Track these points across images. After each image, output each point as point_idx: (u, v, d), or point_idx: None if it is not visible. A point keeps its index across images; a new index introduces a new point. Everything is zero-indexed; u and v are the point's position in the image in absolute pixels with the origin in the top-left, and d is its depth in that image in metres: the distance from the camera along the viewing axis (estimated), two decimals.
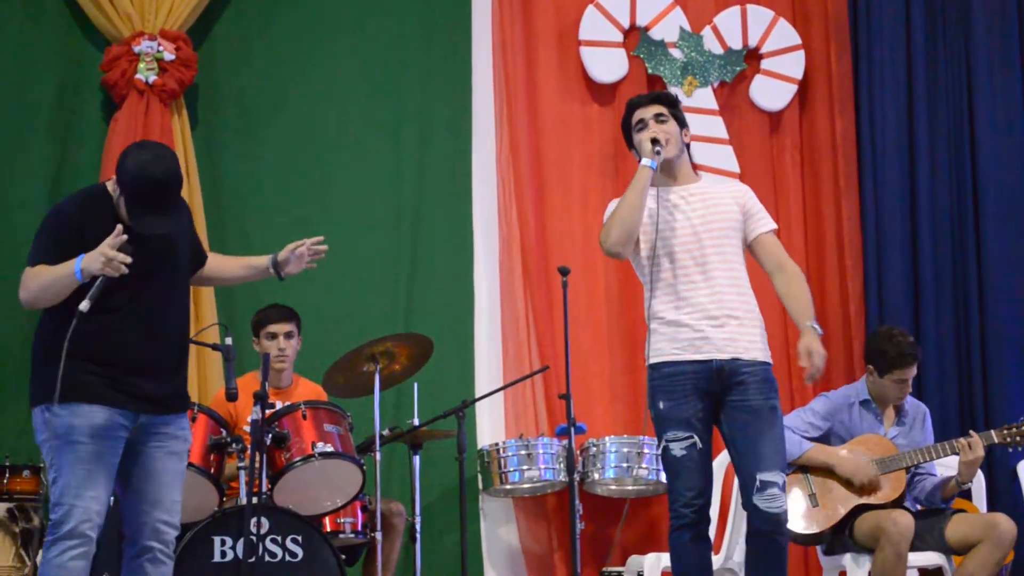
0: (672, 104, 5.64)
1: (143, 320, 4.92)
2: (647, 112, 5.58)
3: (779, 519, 5.30)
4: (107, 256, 4.72)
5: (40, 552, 6.85)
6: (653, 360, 5.47)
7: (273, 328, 6.99)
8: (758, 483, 5.28)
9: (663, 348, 5.44)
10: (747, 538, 5.42)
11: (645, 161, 5.43)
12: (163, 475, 5.00)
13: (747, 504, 5.33)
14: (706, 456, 5.41)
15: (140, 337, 4.91)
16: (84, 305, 4.73)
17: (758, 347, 5.43)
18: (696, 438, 5.36)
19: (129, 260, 4.75)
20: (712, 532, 5.50)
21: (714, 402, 5.40)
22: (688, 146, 5.65)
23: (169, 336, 5.04)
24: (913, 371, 6.85)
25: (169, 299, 5.06)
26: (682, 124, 5.62)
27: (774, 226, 5.57)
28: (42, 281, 4.83)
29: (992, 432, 6.78)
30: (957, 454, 6.69)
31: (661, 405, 5.41)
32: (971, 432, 6.74)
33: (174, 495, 5.03)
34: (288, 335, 7.01)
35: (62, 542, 4.77)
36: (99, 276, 4.75)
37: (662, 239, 5.47)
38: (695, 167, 5.77)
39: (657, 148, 5.42)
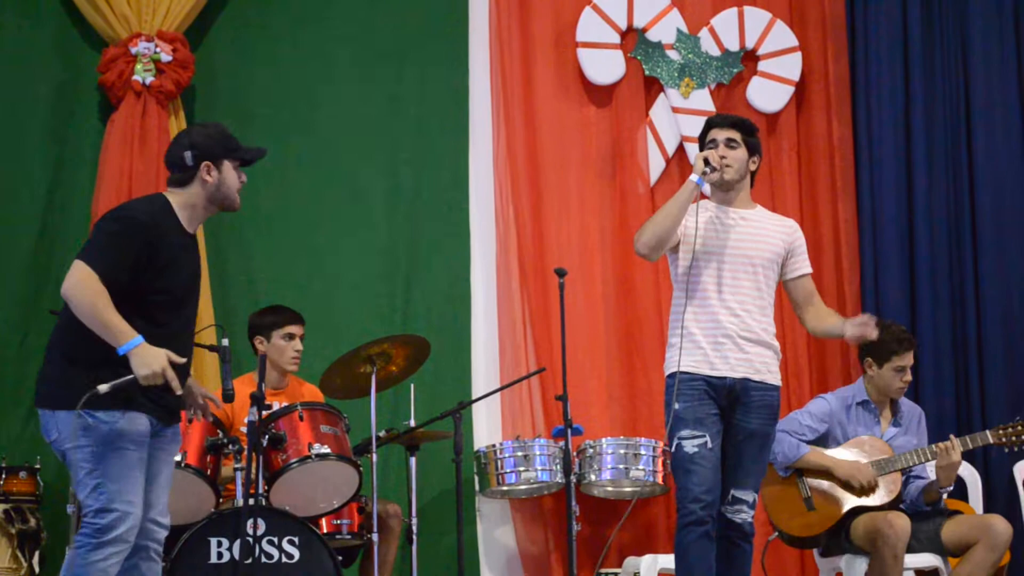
0: (748, 132, 5.86)
1: (178, 336, 4.99)
2: (721, 134, 5.82)
3: (742, 528, 5.68)
4: (156, 374, 4.75)
5: (36, 553, 6.88)
6: (672, 370, 5.72)
7: (293, 329, 7.00)
8: (730, 497, 5.66)
9: (682, 360, 5.68)
10: (716, 540, 5.65)
11: (693, 177, 5.65)
12: (161, 478, 5.07)
13: (717, 511, 5.65)
14: (716, 458, 5.63)
15: (175, 351, 4.91)
16: (104, 388, 4.75)
17: (770, 370, 5.72)
18: (708, 438, 5.60)
19: (179, 392, 4.88)
20: None
21: (723, 415, 5.67)
22: (753, 175, 5.89)
23: (189, 351, 5.12)
24: (911, 358, 6.89)
25: (195, 316, 5.20)
26: (752, 152, 5.84)
27: (811, 270, 5.91)
28: (97, 315, 4.77)
29: (987, 432, 6.80)
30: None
31: (677, 406, 5.64)
32: (951, 436, 6.75)
33: (166, 498, 5.10)
34: (302, 337, 7.03)
35: (109, 547, 4.78)
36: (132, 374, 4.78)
37: (704, 253, 5.72)
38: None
39: (707, 169, 5.64)
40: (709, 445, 5.58)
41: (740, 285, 5.68)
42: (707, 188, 5.90)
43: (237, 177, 5.14)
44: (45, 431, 4.94)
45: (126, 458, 4.83)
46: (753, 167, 5.85)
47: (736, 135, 5.80)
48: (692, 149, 8.13)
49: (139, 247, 4.87)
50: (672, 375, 5.69)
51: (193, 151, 5.06)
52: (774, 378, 5.73)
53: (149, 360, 4.74)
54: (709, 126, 5.87)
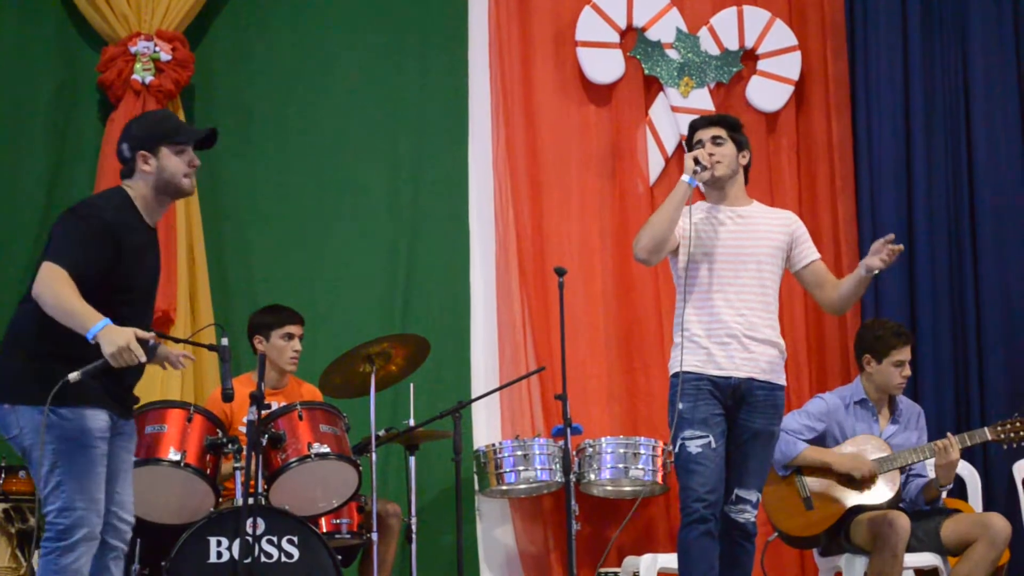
0: (732, 127, 5.87)
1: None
2: (706, 133, 5.82)
3: (745, 528, 5.66)
4: (122, 350, 4.70)
5: (36, 553, 6.87)
6: (676, 370, 5.70)
7: (292, 329, 7.00)
8: (734, 496, 5.64)
9: (686, 360, 5.67)
10: (719, 537, 5.63)
11: (684, 177, 5.66)
12: (125, 475, 5.07)
13: (720, 510, 5.63)
14: (720, 458, 5.63)
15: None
16: (74, 376, 4.73)
17: (775, 369, 5.71)
18: (711, 438, 5.60)
19: (143, 360, 4.80)
20: None
21: (728, 415, 5.65)
22: (746, 169, 5.89)
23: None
24: (909, 352, 6.92)
25: (153, 312, 5.22)
26: (740, 147, 5.84)
27: (819, 255, 5.88)
28: (63, 304, 4.74)
29: (986, 429, 6.80)
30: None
31: (681, 406, 5.64)
32: (948, 435, 6.75)
33: (131, 495, 5.10)
34: (301, 337, 7.03)
35: (79, 547, 4.77)
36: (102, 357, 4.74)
37: (702, 253, 5.72)
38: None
39: (696, 168, 5.65)
40: (713, 445, 5.58)
41: (742, 283, 5.68)
42: (702, 188, 5.91)
43: (182, 162, 5.07)
44: (3, 427, 4.90)
45: (89, 455, 4.82)
46: (743, 161, 5.85)
47: (721, 132, 5.81)
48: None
49: (105, 246, 4.87)
50: (676, 374, 5.68)
51: (129, 143, 5.06)
52: (779, 378, 5.73)
53: (115, 338, 4.67)
54: (693, 129, 5.89)
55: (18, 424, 4.84)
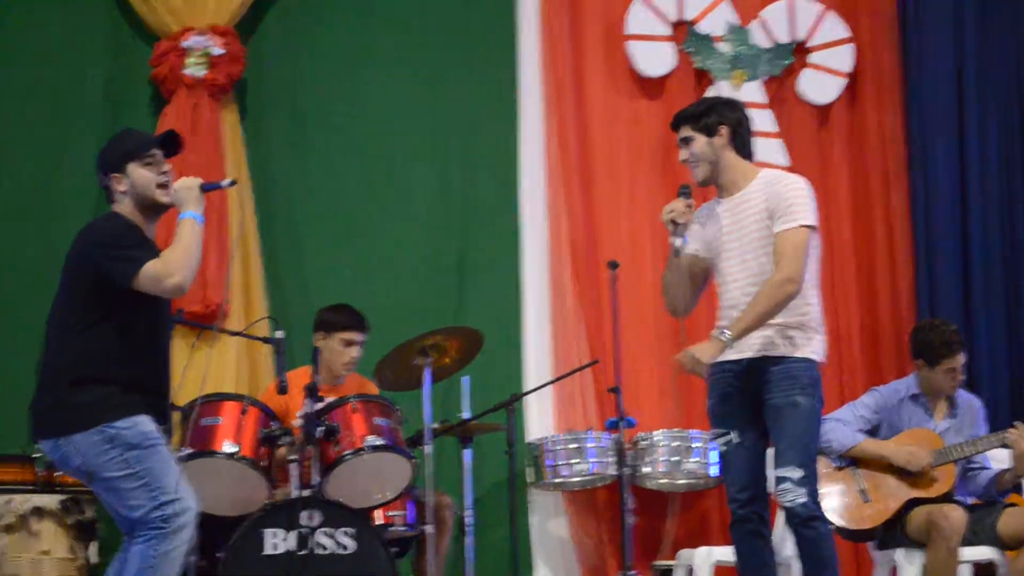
0: (696, 117, 5.62)
1: (163, 348, 5.09)
2: (678, 140, 5.67)
3: (795, 512, 5.35)
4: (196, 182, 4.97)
5: (91, 545, 6.89)
6: None
7: (353, 336, 6.99)
8: (774, 479, 5.39)
9: None
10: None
11: (671, 239, 5.54)
12: None
13: (761, 507, 5.54)
14: (748, 451, 5.53)
15: (162, 363, 5.06)
16: (228, 182, 5.14)
17: (793, 343, 5.45)
18: (732, 434, 5.51)
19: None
20: None
21: (755, 399, 5.50)
22: (741, 142, 5.62)
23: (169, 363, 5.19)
24: (962, 358, 6.85)
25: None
26: (711, 132, 5.58)
27: (791, 225, 5.41)
28: (186, 252, 4.87)
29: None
30: (1006, 446, 6.67)
31: (708, 403, 5.59)
32: (1016, 423, 6.70)
33: None
34: (363, 344, 7.03)
35: (179, 535, 4.80)
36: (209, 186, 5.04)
37: (714, 251, 5.63)
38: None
39: (672, 228, 5.51)
40: (736, 440, 5.50)
41: (749, 265, 5.50)
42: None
43: (152, 173, 5.08)
44: (64, 461, 4.91)
45: (159, 452, 4.87)
46: (721, 142, 5.57)
47: (686, 131, 5.61)
48: None
49: (147, 251, 4.96)
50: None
51: (101, 169, 5.12)
52: (799, 351, 5.43)
53: (189, 186, 5.00)
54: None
55: (78, 452, 4.86)
